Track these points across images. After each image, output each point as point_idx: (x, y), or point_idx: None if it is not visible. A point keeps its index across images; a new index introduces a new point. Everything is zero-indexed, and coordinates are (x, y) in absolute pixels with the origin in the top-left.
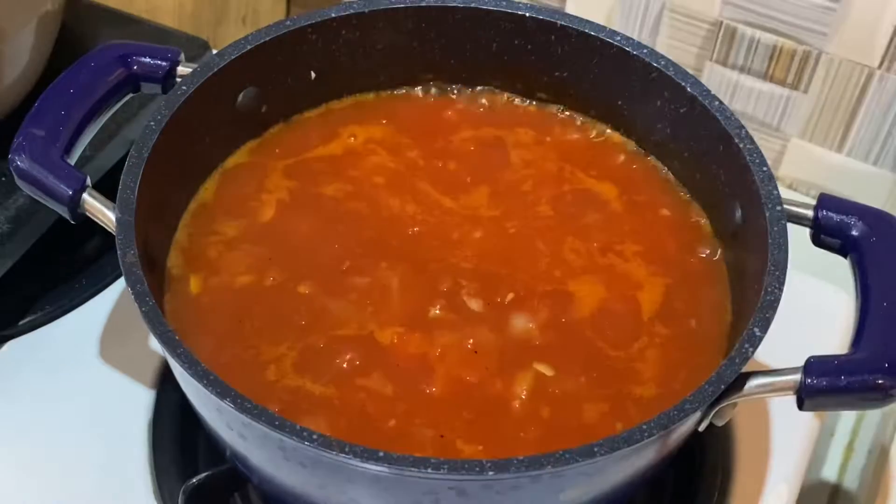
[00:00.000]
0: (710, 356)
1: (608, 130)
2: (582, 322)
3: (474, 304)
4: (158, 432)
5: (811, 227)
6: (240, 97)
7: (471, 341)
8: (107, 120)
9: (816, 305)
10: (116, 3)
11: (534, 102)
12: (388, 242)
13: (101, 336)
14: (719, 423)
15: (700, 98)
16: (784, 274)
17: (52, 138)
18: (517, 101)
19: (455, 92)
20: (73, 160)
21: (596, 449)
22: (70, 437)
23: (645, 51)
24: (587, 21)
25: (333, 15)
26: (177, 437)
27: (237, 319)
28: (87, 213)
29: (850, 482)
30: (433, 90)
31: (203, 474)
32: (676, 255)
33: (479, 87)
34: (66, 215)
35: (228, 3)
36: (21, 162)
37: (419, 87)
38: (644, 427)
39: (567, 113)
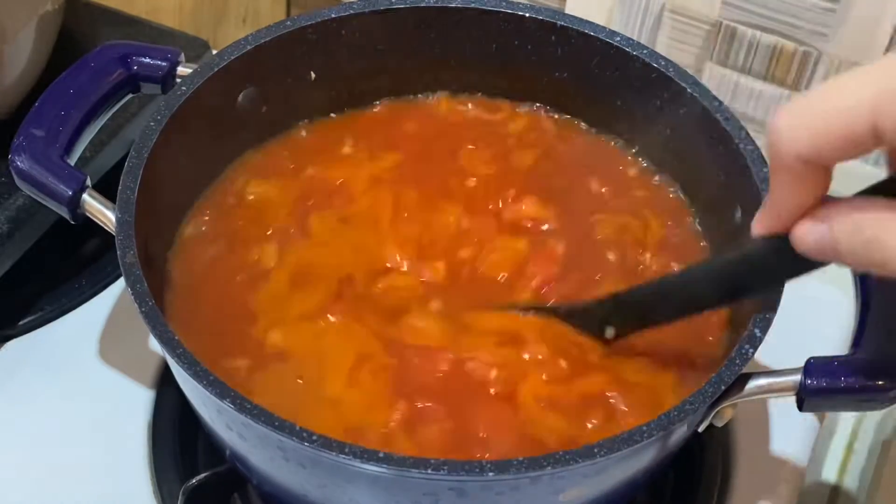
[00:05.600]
0: (709, 357)
1: (607, 131)
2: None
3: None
4: (158, 432)
5: None
6: (240, 97)
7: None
8: (107, 120)
9: (816, 306)
10: (116, 4)
11: (533, 103)
12: (388, 252)
13: (101, 336)
14: (719, 423)
15: (700, 98)
16: None
17: (52, 138)
18: (516, 101)
19: (454, 93)
20: (72, 160)
21: (596, 450)
22: (70, 437)
23: (645, 51)
24: (587, 21)
25: (333, 15)
26: (177, 437)
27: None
28: (87, 214)
29: (850, 482)
30: (433, 90)
31: (203, 474)
32: (676, 256)
33: (478, 88)
34: (66, 215)
35: (228, 3)
36: (21, 162)
37: (419, 88)
38: (644, 428)
39: (566, 114)
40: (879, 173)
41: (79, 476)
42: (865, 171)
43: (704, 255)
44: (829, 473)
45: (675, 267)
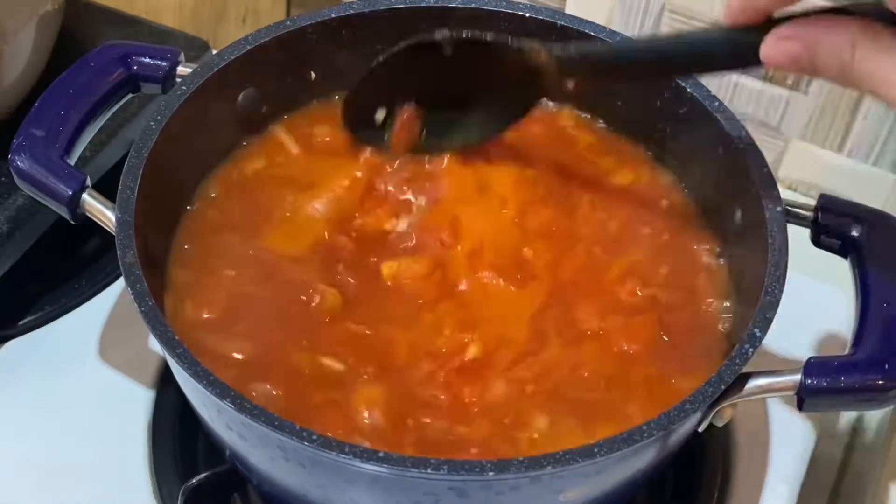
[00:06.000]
0: (709, 357)
1: (606, 130)
2: (580, 319)
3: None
4: (158, 432)
5: (811, 228)
6: (240, 97)
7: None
8: (107, 120)
9: (816, 305)
10: (116, 3)
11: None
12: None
13: (101, 336)
14: (719, 423)
15: (700, 99)
16: (784, 274)
17: (52, 138)
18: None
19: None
20: (72, 160)
21: (596, 449)
22: (70, 438)
23: None
24: (587, 21)
25: (333, 15)
26: (177, 437)
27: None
28: (87, 213)
29: (851, 482)
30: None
31: (203, 474)
32: (675, 256)
33: None
34: (66, 215)
35: (228, 3)
36: (21, 162)
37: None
38: (644, 427)
39: (566, 113)
40: (880, 173)
41: (79, 476)
42: (867, 171)
43: (702, 255)
44: (829, 473)
45: (669, 269)
